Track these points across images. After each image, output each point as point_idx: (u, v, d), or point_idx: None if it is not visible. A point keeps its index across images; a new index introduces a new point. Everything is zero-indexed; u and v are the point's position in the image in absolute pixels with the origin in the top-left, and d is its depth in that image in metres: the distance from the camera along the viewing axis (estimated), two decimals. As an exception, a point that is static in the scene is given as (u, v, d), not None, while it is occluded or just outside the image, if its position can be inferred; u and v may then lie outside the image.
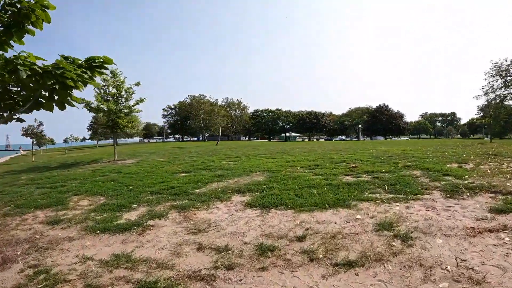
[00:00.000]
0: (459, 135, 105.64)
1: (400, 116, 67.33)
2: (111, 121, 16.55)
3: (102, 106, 16.10)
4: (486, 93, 24.95)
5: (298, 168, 9.09)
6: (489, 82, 24.31)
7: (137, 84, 17.48)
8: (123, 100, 17.06)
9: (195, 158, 14.11)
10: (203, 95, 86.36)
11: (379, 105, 68.18)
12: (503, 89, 23.95)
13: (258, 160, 11.80)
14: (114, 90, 16.65)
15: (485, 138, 75.30)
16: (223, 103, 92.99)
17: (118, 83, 16.64)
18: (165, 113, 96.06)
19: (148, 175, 9.23)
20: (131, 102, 17.18)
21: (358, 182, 6.47)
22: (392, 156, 10.95)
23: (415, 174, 7.16)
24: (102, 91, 16.66)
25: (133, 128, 18.72)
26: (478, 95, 25.67)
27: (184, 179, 8.18)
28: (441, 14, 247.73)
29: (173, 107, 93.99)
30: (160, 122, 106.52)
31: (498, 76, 23.76)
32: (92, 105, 16.17)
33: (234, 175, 8.39)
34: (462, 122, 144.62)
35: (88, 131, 70.05)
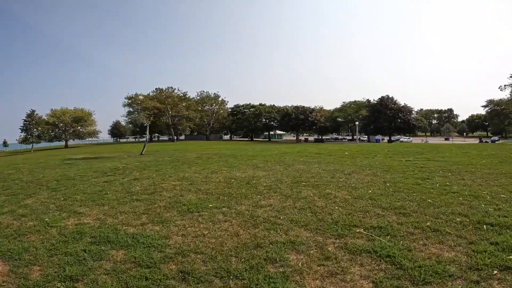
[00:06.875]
0: (464, 134, 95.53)
1: (409, 110, 54.72)
2: None
3: None
4: None
5: None
6: None
7: None
8: None
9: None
10: (171, 87, 73.30)
11: (382, 97, 55.64)
12: None
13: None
14: None
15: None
16: (197, 97, 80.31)
17: None
18: (131, 109, 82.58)
19: None
20: None
21: None
22: None
23: None
24: None
25: None
26: (505, 85, 20.61)
27: None
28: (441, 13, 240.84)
29: (139, 102, 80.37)
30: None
31: None
32: None
33: None
34: (460, 119, 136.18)
35: (21, 132, 55.60)
